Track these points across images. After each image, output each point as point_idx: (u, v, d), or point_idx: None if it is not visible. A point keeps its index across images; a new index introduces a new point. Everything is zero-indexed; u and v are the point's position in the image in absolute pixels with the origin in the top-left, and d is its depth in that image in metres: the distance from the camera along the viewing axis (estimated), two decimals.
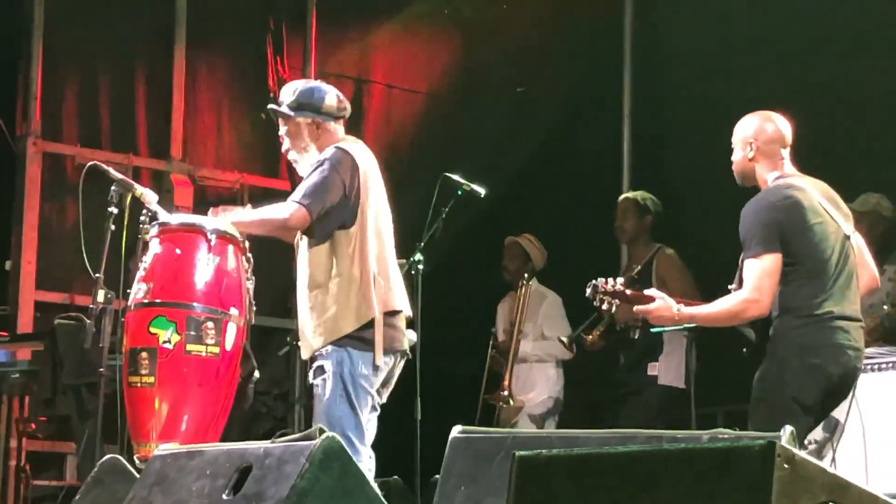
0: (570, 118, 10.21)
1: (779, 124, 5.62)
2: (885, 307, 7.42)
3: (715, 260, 7.76)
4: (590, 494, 3.07)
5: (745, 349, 6.06)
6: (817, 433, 6.72)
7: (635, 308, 5.55)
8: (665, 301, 5.50)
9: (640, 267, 8.22)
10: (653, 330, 7.92)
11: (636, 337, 8.12)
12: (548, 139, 10.15)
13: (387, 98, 10.14)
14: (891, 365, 6.66)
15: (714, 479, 2.88)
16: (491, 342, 8.82)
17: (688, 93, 9.76)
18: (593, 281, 5.61)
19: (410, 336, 5.96)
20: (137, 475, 4.87)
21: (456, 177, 7.62)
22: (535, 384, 8.67)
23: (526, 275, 8.70)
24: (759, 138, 5.58)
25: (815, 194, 5.49)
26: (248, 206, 6.11)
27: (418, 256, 7.38)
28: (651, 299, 5.51)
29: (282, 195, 9.27)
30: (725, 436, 3.42)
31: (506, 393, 8.46)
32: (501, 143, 9.98)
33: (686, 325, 7.75)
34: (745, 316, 5.44)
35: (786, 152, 5.61)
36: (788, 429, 3.25)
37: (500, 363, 8.69)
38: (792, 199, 5.42)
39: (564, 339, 8.37)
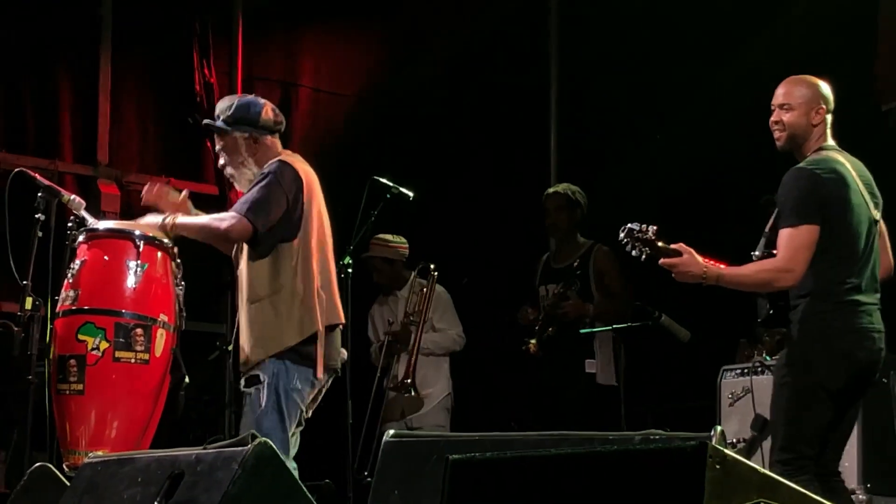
0: (497, 117, 10.24)
1: (829, 91, 5.53)
2: None
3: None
4: (523, 498, 3.08)
5: (759, 320, 6.03)
6: (745, 431, 6.79)
7: (661, 261, 5.39)
8: (693, 257, 5.34)
9: (577, 261, 8.19)
10: (582, 331, 7.96)
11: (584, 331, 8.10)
12: (474, 140, 10.17)
13: (314, 101, 10.12)
14: None
15: (647, 481, 2.90)
16: (386, 334, 8.60)
17: (615, 92, 9.82)
18: (629, 224, 5.44)
19: (341, 354, 5.96)
20: (67, 483, 4.82)
21: (384, 180, 7.63)
22: (436, 380, 8.54)
23: (431, 266, 8.49)
24: (827, 106, 5.48)
25: (854, 173, 5.42)
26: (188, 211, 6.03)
27: (348, 259, 7.38)
28: (679, 253, 5.36)
29: (210, 199, 9.30)
30: (657, 437, 3.42)
31: (409, 381, 8.27)
32: (429, 145, 9.98)
33: (614, 326, 7.85)
34: (775, 285, 5.35)
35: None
36: (719, 429, 3.25)
37: (396, 349, 8.52)
38: (838, 175, 5.34)
39: (532, 344, 8.11)
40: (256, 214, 5.63)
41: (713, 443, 2.88)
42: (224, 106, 5.97)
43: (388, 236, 8.59)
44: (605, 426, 7.65)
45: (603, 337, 8.04)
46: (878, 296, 5.44)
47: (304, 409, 5.74)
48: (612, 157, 9.75)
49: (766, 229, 5.54)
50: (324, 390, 5.90)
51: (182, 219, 5.85)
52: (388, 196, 7.64)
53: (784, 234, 5.29)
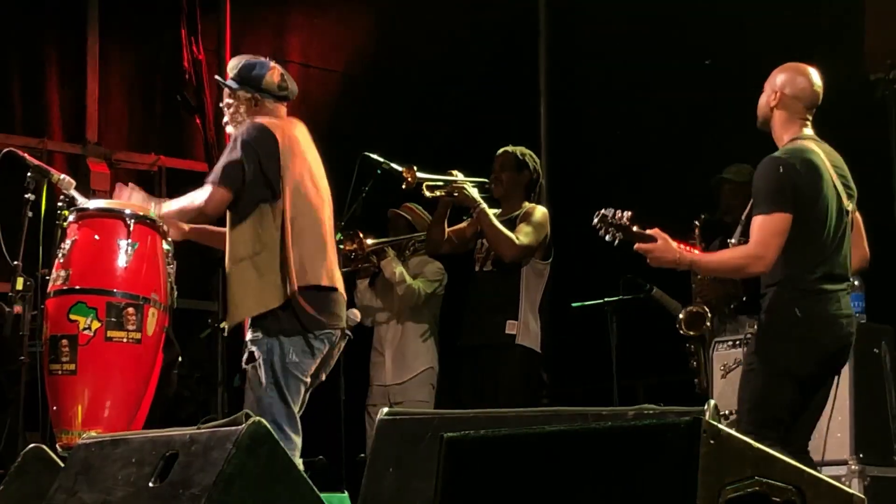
0: (486, 95, 10.23)
1: (812, 82, 5.59)
2: None
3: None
4: (518, 475, 3.09)
5: (731, 305, 6.11)
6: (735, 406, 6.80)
7: (636, 246, 5.44)
8: (667, 242, 5.42)
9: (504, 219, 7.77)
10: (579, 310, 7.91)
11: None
12: (465, 115, 10.15)
13: (303, 78, 10.09)
14: None
15: (641, 457, 2.91)
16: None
17: (604, 69, 9.82)
18: (602, 210, 5.47)
19: (351, 315, 5.93)
20: (61, 464, 4.82)
21: (375, 155, 7.60)
22: (418, 352, 8.30)
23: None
24: (786, 90, 5.55)
25: (828, 164, 5.47)
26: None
27: (339, 236, 7.36)
28: (653, 239, 5.42)
29: (199, 176, 9.25)
30: (651, 412, 3.43)
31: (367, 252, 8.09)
32: (419, 121, 9.96)
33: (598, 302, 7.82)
34: (747, 271, 5.44)
35: (810, 113, 5.59)
36: (712, 403, 3.26)
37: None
38: (811, 165, 5.39)
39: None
40: (224, 180, 5.63)
41: (707, 418, 2.89)
42: (233, 64, 6.01)
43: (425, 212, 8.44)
44: (526, 391, 7.59)
45: (528, 300, 7.82)
46: (848, 283, 5.50)
47: (307, 381, 5.72)
48: (603, 134, 9.75)
49: (743, 217, 5.68)
50: (335, 354, 5.88)
51: (164, 208, 5.85)
52: (379, 172, 7.62)
53: (757, 222, 5.36)
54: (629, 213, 5.47)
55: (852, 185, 5.59)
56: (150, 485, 4.12)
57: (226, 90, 5.99)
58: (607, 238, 5.48)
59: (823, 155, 5.49)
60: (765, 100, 5.63)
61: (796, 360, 5.35)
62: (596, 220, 5.50)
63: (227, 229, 5.77)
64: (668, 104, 9.20)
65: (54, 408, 5.71)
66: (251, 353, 5.66)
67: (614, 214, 5.46)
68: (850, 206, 5.54)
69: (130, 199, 5.92)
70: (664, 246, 5.43)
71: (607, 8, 9.73)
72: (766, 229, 5.33)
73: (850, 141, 7.36)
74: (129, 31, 9.78)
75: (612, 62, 9.73)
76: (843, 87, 7.89)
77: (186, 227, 6.09)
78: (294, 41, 10.22)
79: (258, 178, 5.67)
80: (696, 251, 5.55)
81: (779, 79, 5.60)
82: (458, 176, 7.71)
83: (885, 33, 7.99)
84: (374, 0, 10.30)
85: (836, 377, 5.55)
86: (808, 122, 5.61)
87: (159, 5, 9.75)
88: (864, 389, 6.61)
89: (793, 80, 5.58)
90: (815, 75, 5.63)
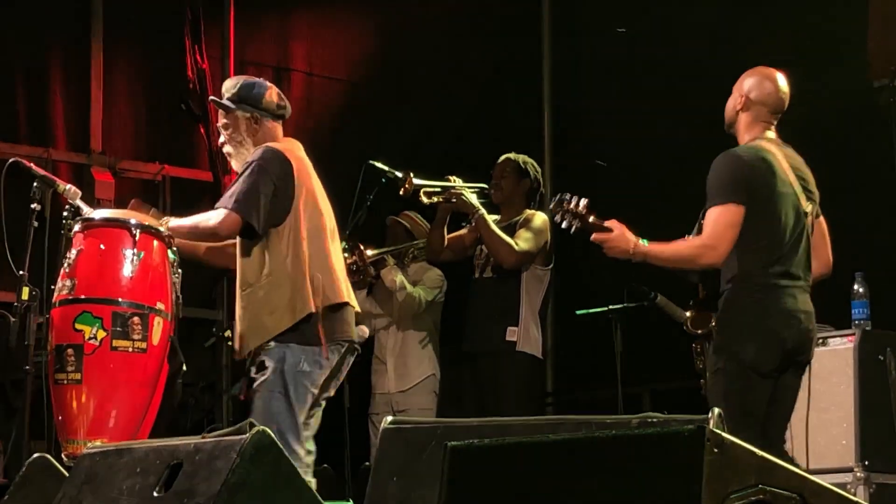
0: (490, 101, 10.23)
1: (778, 88, 5.63)
2: None
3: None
4: (522, 483, 3.09)
5: (691, 302, 6.12)
6: None
7: (592, 236, 5.46)
8: (623, 233, 5.43)
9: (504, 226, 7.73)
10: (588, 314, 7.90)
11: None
12: (469, 123, 10.16)
13: (307, 86, 10.13)
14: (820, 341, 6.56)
15: (645, 466, 2.91)
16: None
17: (607, 75, 9.83)
18: (560, 195, 5.48)
19: (361, 331, 5.93)
20: (66, 473, 4.83)
21: (380, 164, 7.60)
22: (420, 359, 8.23)
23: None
24: (751, 95, 5.60)
25: (786, 165, 5.51)
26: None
27: (344, 244, 7.35)
28: (609, 229, 5.44)
29: (204, 186, 9.31)
30: (655, 420, 3.44)
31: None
32: (423, 129, 9.97)
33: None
34: (700, 261, 5.45)
35: (775, 118, 5.63)
36: (717, 411, 3.26)
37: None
38: (764, 162, 5.44)
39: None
40: (242, 206, 5.64)
41: (711, 426, 2.89)
42: (230, 84, 6.02)
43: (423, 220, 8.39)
44: (528, 398, 7.59)
45: (529, 303, 7.79)
46: (805, 282, 5.51)
47: (315, 392, 5.73)
48: (608, 140, 9.74)
49: (701, 217, 5.64)
50: (344, 368, 5.89)
51: (173, 222, 5.88)
52: (384, 181, 7.61)
53: (710, 214, 5.41)
54: (586, 201, 5.46)
55: (813, 188, 5.62)
56: (155, 494, 4.12)
57: (220, 111, 6.00)
58: (563, 225, 5.48)
59: (781, 156, 5.53)
60: (731, 103, 5.68)
61: (758, 355, 5.36)
62: (553, 205, 5.52)
63: (237, 254, 5.79)
64: (673, 109, 9.20)
65: (59, 417, 5.71)
66: (261, 362, 5.68)
67: (571, 200, 5.46)
68: (808, 207, 5.55)
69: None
70: (619, 236, 5.44)
71: (611, 13, 9.74)
72: (719, 221, 5.36)
73: (854, 147, 7.39)
74: (133, 40, 9.79)
75: (616, 68, 9.73)
76: (847, 93, 7.92)
77: (203, 246, 6.11)
78: (298, 49, 10.23)
79: (272, 205, 5.69)
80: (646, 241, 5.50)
81: (746, 83, 5.65)
82: (457, 182, 7.70)
83: (889, 40, 8.01)
84: (377, 8, 10.31)
85: (806, 375, 5.60)
86: (772, 127, 5.64)
87: (163, 14, 9.75)
88: (868, 396, 6.61)
89: (759, 85, 5.62)
90: (781, 81, 5.66)
